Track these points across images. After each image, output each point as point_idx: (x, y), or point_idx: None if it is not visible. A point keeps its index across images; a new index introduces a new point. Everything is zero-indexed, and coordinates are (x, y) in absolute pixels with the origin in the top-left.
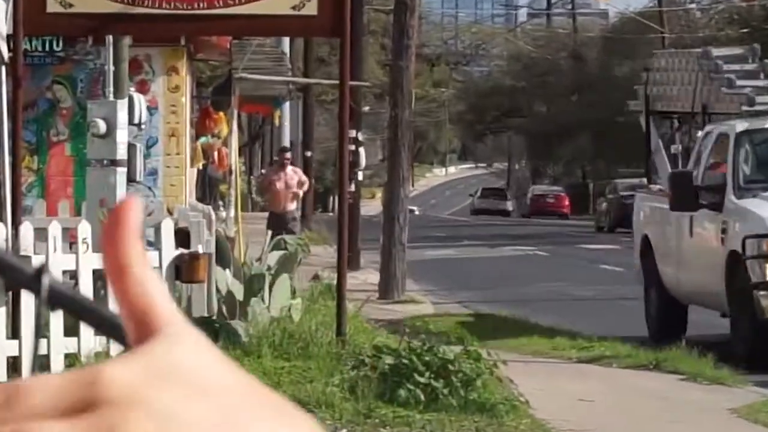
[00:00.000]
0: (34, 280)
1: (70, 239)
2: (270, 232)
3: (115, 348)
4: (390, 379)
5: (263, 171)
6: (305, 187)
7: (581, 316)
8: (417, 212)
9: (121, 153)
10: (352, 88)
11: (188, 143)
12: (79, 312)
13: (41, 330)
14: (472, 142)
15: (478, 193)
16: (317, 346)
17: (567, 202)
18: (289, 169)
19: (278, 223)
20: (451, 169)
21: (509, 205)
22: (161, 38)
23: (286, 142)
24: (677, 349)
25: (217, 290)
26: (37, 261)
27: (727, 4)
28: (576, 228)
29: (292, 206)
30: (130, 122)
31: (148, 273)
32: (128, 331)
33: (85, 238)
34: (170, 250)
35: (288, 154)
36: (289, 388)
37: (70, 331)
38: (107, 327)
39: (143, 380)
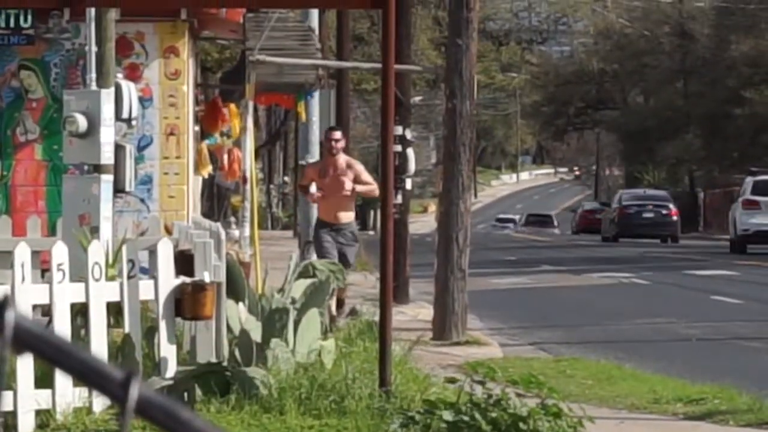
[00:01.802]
0: None
1: (42, 265)
2: (296, 254)
3: (98, 402)
4: None
5: (286, 179)
6: (370, 189)
7: (690, 361)
8: (515, 226)
9: (107, 156)
10: (398, 74)
11: (191, 144)
12: (54, 356)
13: (4, 380)
14: (551, 142)
15: (522, 220)
16: (355, 399)
17: (674, 217)
18: (342, 159)
19: (328, 234)
20: (524, 175)
21: (556, 233)
22: (157, 11)
23: (315, 142)
24: None
25: (229, 329)
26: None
27: None
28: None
29: (348, 215)
30: (118, 117)
31: None
32: None
33: (60, 264)
34: (169, 279)
35: (337, 134)
36: None
37: (42, 381)
38: (89, 375)
39: None
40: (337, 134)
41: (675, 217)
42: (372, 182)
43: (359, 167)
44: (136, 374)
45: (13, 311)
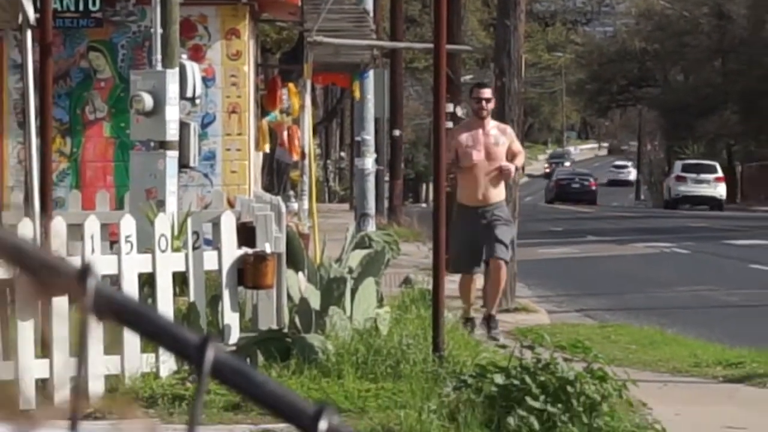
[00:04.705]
0: (76, 283)
1: (111, 237)
2: (352, 226)
3: (165, 368)
4: (498, 403)
5: (342, 154)
6: (520, 160)
7: (729, 326)
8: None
9: (172, 133)
10: (449, 54)
11: (252, 121)
12: (133, 321)
13: (86, 346)
14: (595, 118)
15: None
16: (410, 364)
17: (593, 187)
18: (492, 126)
19: (472, 225)
20: (569, 150)
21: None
22: None
23: (370, 119)
24: None
25: (289, 298)
26: (74, 262)
27: None
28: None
29: (499, 194)
30: (182, 96)
31: None
32: None
33: (128, 236)
34: (232, 250)
35: (487, 92)
36: (376, 414)
37: (111, 347)
38: (166, 339)
39: None
40: (487, 92)
41: (594, 187)
42: (522, 150)
43: (512, 133)
44: (212, 338)
45: (94, 279)
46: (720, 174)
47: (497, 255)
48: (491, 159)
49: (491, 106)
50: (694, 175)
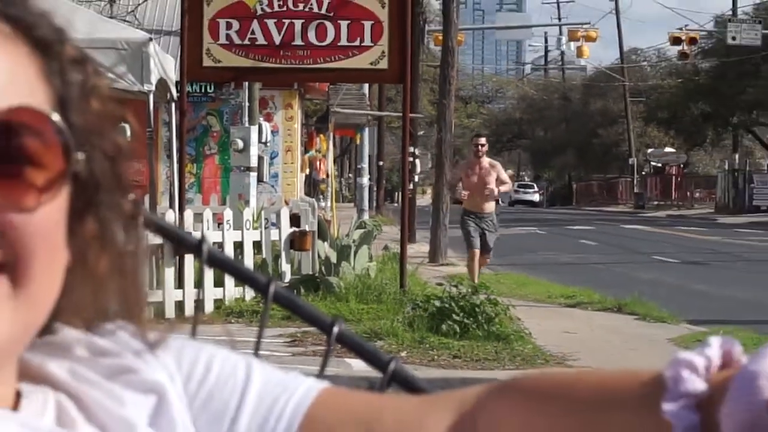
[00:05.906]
0: (197, 247)
1: (218, 221)
2: (355, 216)
3: (249, 295)
4: (436, 317)
5: (350, 175)
6: (508, 188)
7: (567, 276)
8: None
9: (254, 162)
10: (411, 119)
11: (299, 156)
12: (229, 269)
13: (203, 282)
14: (493, 156)
15: None
16: (386, 294)
17: None
18: (486, 162)
19: (475, 221)
20: None
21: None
22: (281, 84)
23: (365, 157)
24: (633, 298)
25: (319, 256)
26: (197, 235)
27: (668, 63)
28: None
29: (490, 206)
30: (260, 141)
31: None
32: None
33: (228, 221)
34: (287, 229)
35: (482, 140)
36: (367, 323)
37: (217, 283)
38: (248, 279)
39: None
40: (482, 140)
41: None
42: (508, 180)
43: (500, 167)
44: (274, 279)
45: (206, 244)
46: (536, 189)
47: (485, 256)
48: (484, 184)
49: (485, 149)
50: (523, 190)
